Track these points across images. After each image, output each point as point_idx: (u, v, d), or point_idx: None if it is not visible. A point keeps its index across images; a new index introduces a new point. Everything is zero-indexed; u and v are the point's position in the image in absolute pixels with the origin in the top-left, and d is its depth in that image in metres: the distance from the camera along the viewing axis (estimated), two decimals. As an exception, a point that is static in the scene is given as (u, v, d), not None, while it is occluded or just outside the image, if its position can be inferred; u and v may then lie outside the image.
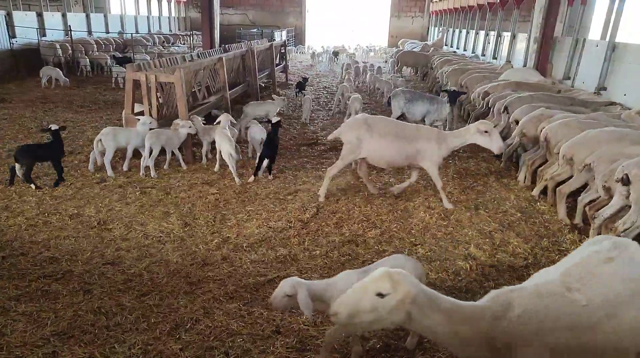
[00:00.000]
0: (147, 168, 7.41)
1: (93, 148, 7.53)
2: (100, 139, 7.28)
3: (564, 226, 5.96)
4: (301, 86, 13.94)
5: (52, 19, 21.04)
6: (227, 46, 13.49)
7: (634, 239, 4.69)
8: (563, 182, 6.29)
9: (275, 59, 16.94)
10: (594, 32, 13.11)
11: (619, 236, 4.81)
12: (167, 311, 4.11)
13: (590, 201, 5.78)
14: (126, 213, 6.12)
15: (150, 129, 7.48)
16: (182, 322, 3.97)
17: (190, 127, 7.66)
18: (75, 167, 7.72)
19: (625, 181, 4.90)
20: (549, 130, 6.65)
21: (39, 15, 19.94)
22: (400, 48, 16.77)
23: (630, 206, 4.88)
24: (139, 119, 7.62)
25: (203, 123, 8.28)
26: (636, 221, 4.78)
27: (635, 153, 5.25)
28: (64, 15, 21.83)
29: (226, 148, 7.22)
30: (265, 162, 7.35)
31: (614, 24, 10.14)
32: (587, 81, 10.89)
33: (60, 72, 15.65)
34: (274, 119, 7.61)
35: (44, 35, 19.65)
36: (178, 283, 4.57)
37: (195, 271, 4.79)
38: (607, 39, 10.20)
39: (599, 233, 5.27)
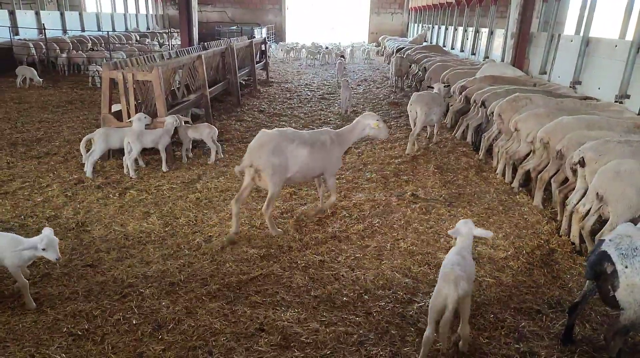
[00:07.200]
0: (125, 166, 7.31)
1: (83, 150, 7.27)
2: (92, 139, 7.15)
3: (542, 218, 6.07)
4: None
5: (25, 17, 20.53)
6: (206, 43, 13.35)
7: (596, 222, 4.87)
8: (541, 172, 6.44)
9: (256, 56, 16.84)
10: (569, 27, 13.34)
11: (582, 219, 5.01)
12: (149, 312, 4.07)
13: (563, 183, 5.98)
14: (105, 214, 6.02)
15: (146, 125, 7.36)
16: (165, 323, 3.93)
17: (176, 121, 7.59)
18: (52, 168, 7.56)
19: (582, 164, 5.09)
20: (519, 120, 6.81)
21: (11, 14, 19.44)
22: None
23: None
24: (113, 118, 7.47)
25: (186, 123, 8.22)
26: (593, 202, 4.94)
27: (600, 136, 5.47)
28: (37, 14, 21.34)
29: None
30: None
31: (588, 19, 10.33)
32: (562, 76, 11.09)
33: (35, 71, 15.30)
34: None
35: (17, 34, 19.16)
36: (160, 283, 4.52)
37: (177, 271, 4.74)
38: (582, 34, 10.39)
39: (570, 219, 5.41)
